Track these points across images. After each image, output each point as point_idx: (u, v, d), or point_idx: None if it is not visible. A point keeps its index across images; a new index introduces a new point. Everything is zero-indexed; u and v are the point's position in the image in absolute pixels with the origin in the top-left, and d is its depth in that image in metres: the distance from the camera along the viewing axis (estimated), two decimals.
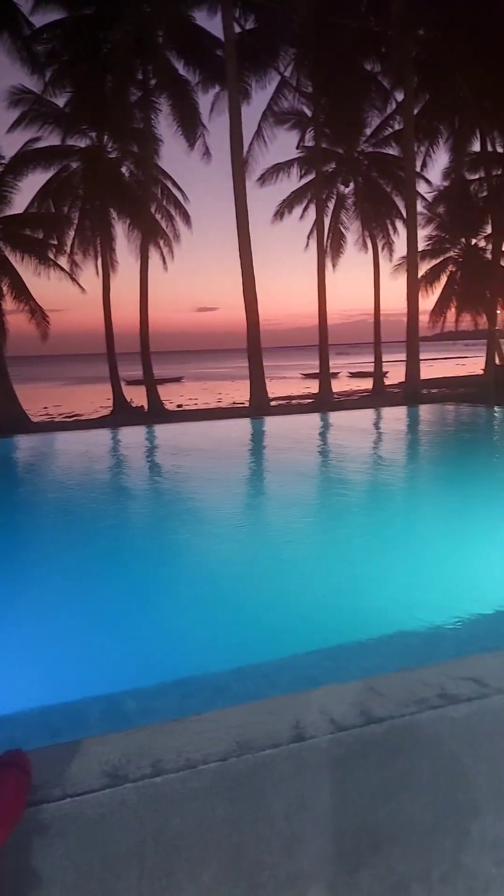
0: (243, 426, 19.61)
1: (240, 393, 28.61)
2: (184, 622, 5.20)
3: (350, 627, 4.56)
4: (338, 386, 37.01)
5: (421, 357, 26.42)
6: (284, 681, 3.74)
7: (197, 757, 2.11)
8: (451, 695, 2.43)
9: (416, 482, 11.48)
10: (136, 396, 27.61)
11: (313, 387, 30.36)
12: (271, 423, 19.71)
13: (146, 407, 25.80)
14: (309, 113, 27.28)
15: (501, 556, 6.30)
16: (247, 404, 24.44)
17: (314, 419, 21.23)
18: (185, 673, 3.99)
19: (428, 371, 37.92)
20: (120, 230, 28.16)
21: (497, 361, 31.24)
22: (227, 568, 6.58)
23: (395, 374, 34.26)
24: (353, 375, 54.41)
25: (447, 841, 2.33)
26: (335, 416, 21.34)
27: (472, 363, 54.69)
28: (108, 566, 6.87)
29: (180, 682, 3.88)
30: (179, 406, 32.08)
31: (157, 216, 28.14)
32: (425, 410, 21.48)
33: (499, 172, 28.56)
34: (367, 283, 33.53)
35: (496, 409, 16.79)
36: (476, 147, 29.21)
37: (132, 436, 18.54)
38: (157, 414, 24.54)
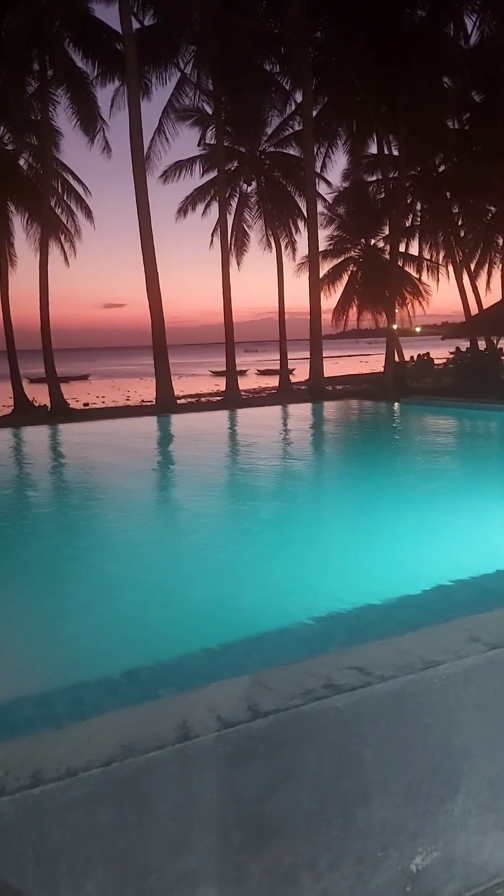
0: (148, 424, 19.45)
1: (149, 391, 28.36)
2: (75, 624, 5.09)
3: (244, 622, 4.58)
4: (246, 383, 37.28)
5: (325, 355, 26.92)
6: (174, 680, 3.73)
7: (79, 764, 2.06)
8: (337, 685, 2.47)
9: (312, 476, 11.67)
10: (40, 395, 26.89)
11: (222, 384, 30.44)
12: (177, 421, 19.64)
13: (49, 406, 25.16)
14: (210, 111, 27.30)
15: (394, 545, 6.48)
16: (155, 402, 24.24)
17: (220, 416, 21.30)
18: (72, 679, 3.90)
19: (333, 368, 38.72)
20: (18, 224, 27.34)
21: (396, 359, 32.20)
22: (118, 567, 6.48)
23: (302, 371, 34.81)
24: (262, 373, 54.94)
25: (334, 829, 2.37)
26: (241, 413, 21.49)
27: (374, 360, 56.28)
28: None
29: (66, 688, 3.79)
30: (86, 404, 31.45)
31: (58, 210, 27.48)
32: (328, 406, 21.94)
33: (395, 175, 29.40)
34: (274, 281, 33.92)
35: (395, 404, 17.34)
36: (373, 149, 30.02)
37: (34, 435, 18.05)
38: (61, 413, 23.96)
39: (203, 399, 30.30)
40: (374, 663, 2.63)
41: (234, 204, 32.40)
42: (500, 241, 33.77)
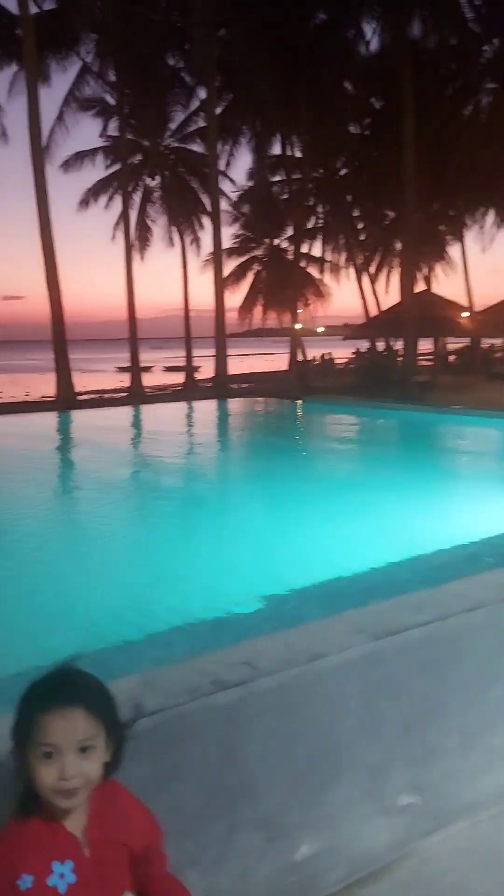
0: (45, 420, 18.94)
1: (51, 386, 27.59)
2: None
3: (134, 621, 4.54)
4: (152, 380, 36.91)
5: (231, 353, 27.03)
6: None
7: None
8: (224, 681, 2.48)
9: (209, 473, 11.69)
10: None
11: (127, 380, 30.01)
12: (76, 417, 19.22)
13: None
14: (113, 102, 26.84)
15: (287, 541, 6.54)
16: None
17: (122, 412, 21.01)
18: None
19: (238, 366, 38.90)
20: None
21: (300, 358, 32.74)
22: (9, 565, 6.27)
23: (209, 368, 34.84)
24: (169, 369, 54.55)
25: (220, 824, 2.38)
26: (144, 410, 21.29)
27: (280, 359, 56.97)
28: None
29: None
30: None
31: None
32: (232, 403, 22.06)
33: (298, 176, 29.86)
34: (181, 277, 33.74)
35: (297, 402, 17.63)
36: (278, 150, 30.36)
37: None
38: None
39: (106, 395, 29.75)
40: (260, 658, 2.66)
41: (137, 198, 32.01)
42: (398, 245, 34.83)
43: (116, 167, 29.18)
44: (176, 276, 33.38)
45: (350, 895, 2.57)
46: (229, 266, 35.36)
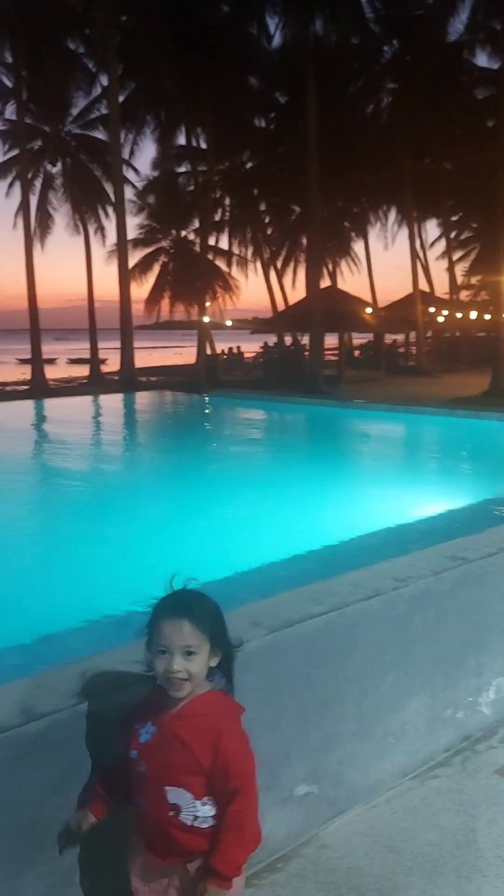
0: None
1: None
2: None
3: (25, 623, 4.40)
4: (56, 372, 35.94)
5: (139, 345, 26.66)
6: None
7: None
8: (117, 681, 2.44)
9: (108, 468, 11.46)
10: None
11: (29, 373, 29.09)
12: None
13: None
14: (10, 84, 25.86)
15: (185, 534, 6.48)
16: None
17: (22, 406, 20.34)
18: None
19: (146, 359, 38.46)
20: None
21: (208, 351, 32.69)
22: None
23: (116, 361, 34.25)
24: (73, 362, 53.25)
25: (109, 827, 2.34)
26: (47, 403, 20.70)
27: (189, 352, 56.70)
28: None
29: None
30: None
31: None
32: (139, 397, 21.79)
33: (204, 168, 29.72)
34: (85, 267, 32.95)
35: (204, 396, 17.59)
36: (183, 141, 30.12)
37: None
38: None
39: (8, 388, 28.77)
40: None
41: (38, 185, 31.04)
42: (305, 240, 35.28)
43: (15, 152, 28.19)
44: (81, 266, 32.61)
45: (249, 886, 2.58)
46: (135, 257, 34.89)
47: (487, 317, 34.06)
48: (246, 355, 39.15)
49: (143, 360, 31.95)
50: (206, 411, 16.18)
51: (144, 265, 35.79)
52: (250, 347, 40.36)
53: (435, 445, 11.43)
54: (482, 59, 27.85)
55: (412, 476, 8.85)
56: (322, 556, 4.78)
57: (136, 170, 31.97)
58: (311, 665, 2.87)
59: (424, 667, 3.33)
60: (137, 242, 35.10)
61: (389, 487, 7.93)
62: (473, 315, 38.44)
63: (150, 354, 50.35)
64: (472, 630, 3.55)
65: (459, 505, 6.40)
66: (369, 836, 2.85)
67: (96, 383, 29.11)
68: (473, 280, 48.75)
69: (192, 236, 35.42)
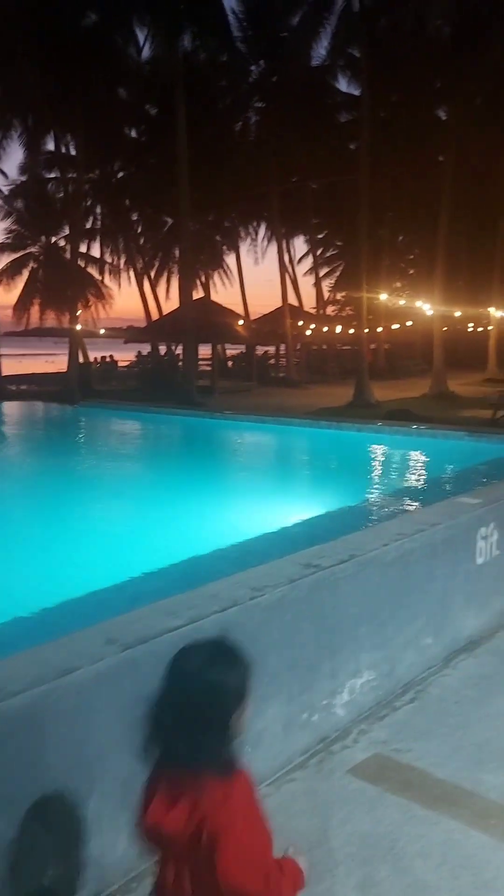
0: None
1: None
2: None
3: None
4: None
5: (8, 352, 25.67)
6: None
7: None
8: None
9: None
10: None
11: None
12: None
13: None
14: None
15: (44, 549, 6.30)
16: None
17: None
18: None
19: (16, 367, 37.01)
20: None
21: (81, 360, 31.96)
22: None
23: None
24: None
25: None
26: None
27: (61, 360, 55.09)
28: None
29: None
30: None
31: None
32: (6, 407, 20.96)
33: (74, 175, 29.15)
34: None
35: (74, 406, 17.14)
36: (51, 146, 29.42)
37: None
38: None
39: None
40: (7, 677, 2.55)
41: None
42: (178, 251, 35.37)
43: None
44: None
45: None
46: (2, 261, 33.72)
47: (352, 331, 35.48)
48: (120, 364, 38.62)
49: (11, 367, 30.76)
50: (77, 422, 15.78)
51: (12, 270, 34.61)
52: (124, 356, 39.83)
53: (298, 456, 11.77)
54: (344, 84, 29.17)
55: (276, 486, 9.07)
56: (183, 569, 4.80)
57: (4, 173, 30.82)
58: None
59: (281, 673, 3.43)
60: (5, 247, 33.94)
61: (254, 498, 8.08)
62: (339, 329, 39.95)
63: (20, 362, 48.52)
64: (326, 635, 3.69)
65: (317, 513, 6.62)
66: None
67: None
68: (339, 296, 50.69)
69: (62, 243, 34.62)
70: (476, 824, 2.98)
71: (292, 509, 7.17)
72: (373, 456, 10.37)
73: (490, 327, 37.18)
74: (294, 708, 3.51)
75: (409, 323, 42.11)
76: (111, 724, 2.68)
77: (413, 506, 6.19)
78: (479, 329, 45.46)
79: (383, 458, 10.30)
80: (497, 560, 5.01)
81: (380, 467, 10.08)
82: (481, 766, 3.41)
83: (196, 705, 1.69)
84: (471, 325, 46.93)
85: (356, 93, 26.04)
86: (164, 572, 4.78)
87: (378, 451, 10.44)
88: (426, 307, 31.13)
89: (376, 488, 8.49)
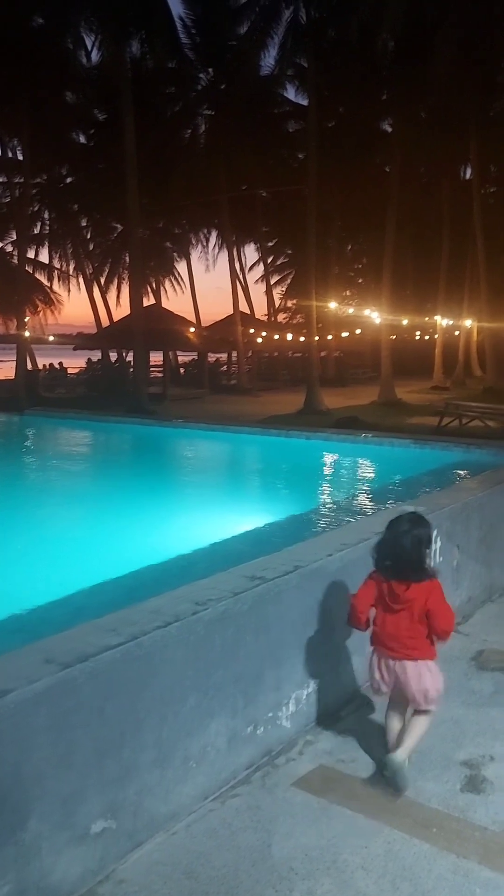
0: None
1: None
2: None
3: None
4: None
5: None
6: None
7: None
8: None
9: None
10: None
11: None
12: None
13: None
14: None
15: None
16: None
17: None
18: None
19: None
20: None
21: (29, 366, 31.48)
22: None
23: None
24: None
25: None
26: None
27: (8, 367, 54.08)
28: None
29: None
30: None
31: None
32: None
33: (20, 180, 28.74)
34: None
35: (21, 413, 16.82)
36: None
37: None
38: None
39: None
40: None
41: None
42: (128, 258, 35.23)
43: None
44: None
45: None
46: None
47: (302, 339, 35.79)
48: (70, 371, 38.14)
49: None
50: (22, 430, 15.45)
51: None
52: (74, 363, 39.34)
53: (246, 465, 11.76)
54: (293, 94, 29.49)
55: (222, 496, 9.02)
56: (126, 583, 4.73)
57: None
58: (106, 698, 2.83)
59: (225, 687, 3.40)
60: None
61: (200, 508, 8.02)
62: (290, 337, 40.27)
63: None
64: (270, 647, 3.69)
65: (263, 523, 6.62)
66: (168, 865, 2.86)
67: None
68: (290, 303, 51.08)
69: (10, 248, 34.06)
70: (417, 833, 3.01)
71: (238, 519, 7.15)
72: (320, 464, 10.44)
73: (436, 336, 37.95)
74: (239, 722, 3.49)
75: (358, 331, 42.70)
76: (50, 745, 2.62)
77: (358, 515, 6.25)
78: (426, 337, 46.39)
79: (330, 467, 10.38)
80: (440, 567, 5.08)
81: (326, 476, 10.15)
82: (423, 774, 3.44)
83: (410, 548, 3.42)
84: (418, 333, 47.86)
85: (304, 103, 26.32)
86: (106, 587, 4.70)
87: (325, 459, 10.52)
88: (374, 316, 31.60)
89: (322, 497, 8.55)
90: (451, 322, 38.73)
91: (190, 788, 3.22)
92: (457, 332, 40.26)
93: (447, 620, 3.39)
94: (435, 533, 5.02)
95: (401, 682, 3.42)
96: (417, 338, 48.41)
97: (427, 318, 39.59)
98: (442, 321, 36.94)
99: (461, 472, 7.64)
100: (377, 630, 3.50)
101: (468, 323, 38.65)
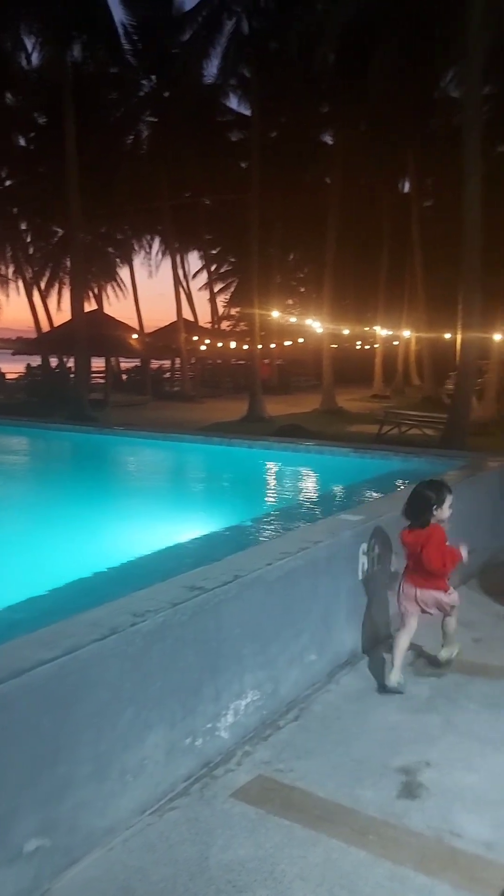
0: None
1: None
2: None
3: None
4: None
5: None
6: None
7: None
8: None
9: None
10: None
11: None
12: None
13: None
14: None
15: None
16: None
17: None
18: None
19: None
20: None
21: None
22: None
23: None
24: None
25: None
26: None
27: None
28: None
29: None
30: None
31: None
32: None
33: None
34: None
35: None
36: None
37: None
38: None
39: None
40: None
41: None
42: (69, 262, 34.74)
43: None
44: None
45: None
46: None
47: (245, 346, 35.96)
48: (8, 377, 37.33)
49: None
50: None
51: None
52: (13, 369, 38.52)
53: (188, 473, 11.70)
54: (236, 103, 29.68)
55: (163, 505, 8.97)
56: (62, 595, 4.65)
57: None
58: (41, 713, 2.78)
59: (163, 699, 3.38)
60: None
61: (140, 517, 7.95)
62: (233, 344, 40.39)
63: None
64: (209, 657, 3.68)
65: (204, 532, 6.61)
66: (104, 881, 2.81)
67: None
68: (233, 311, 51.27)
69: None
70: (354, 841, 3.04)
71: (178, 528, 7.11)
72: (261, 473, 10.47)
73: (376, 345, 38.64)
74: (177, 733, 3.46)
75: (300, 340, 43.13)
76: None
77: (298, 523, 6.30)
78: (367, 347, 47.17)
79: (272, 475, 10.42)
80: (377, 575, 5.16)
81: (268, 484, 10.19)
82: (360, 783, 3.48)
83: (420, 503, 4.44)
84: (359, 343, 48.63)
85: (247, 112, 26.51)
86: (41, 599, 4.60)
87: (267, 467, 10.55)
88: (316, 325, 31.98)
89: (263, 506, 8.58)
90: (390, 332, 39.50)
91: (128, 802, 3.18)
92: (396, 342, 41.09)
93: (429, 561, 4.33)
94: (373, 541, 5.11)
95: (423, 604, 4.51)
96: (358, 347, 49.18)
97: (367, 328, 40.26)
98: (382, 331, 37.63)
99: (400, 481, 7.77)
100: (408, 565, 4.60)
101: (407, 333, 39.48)
